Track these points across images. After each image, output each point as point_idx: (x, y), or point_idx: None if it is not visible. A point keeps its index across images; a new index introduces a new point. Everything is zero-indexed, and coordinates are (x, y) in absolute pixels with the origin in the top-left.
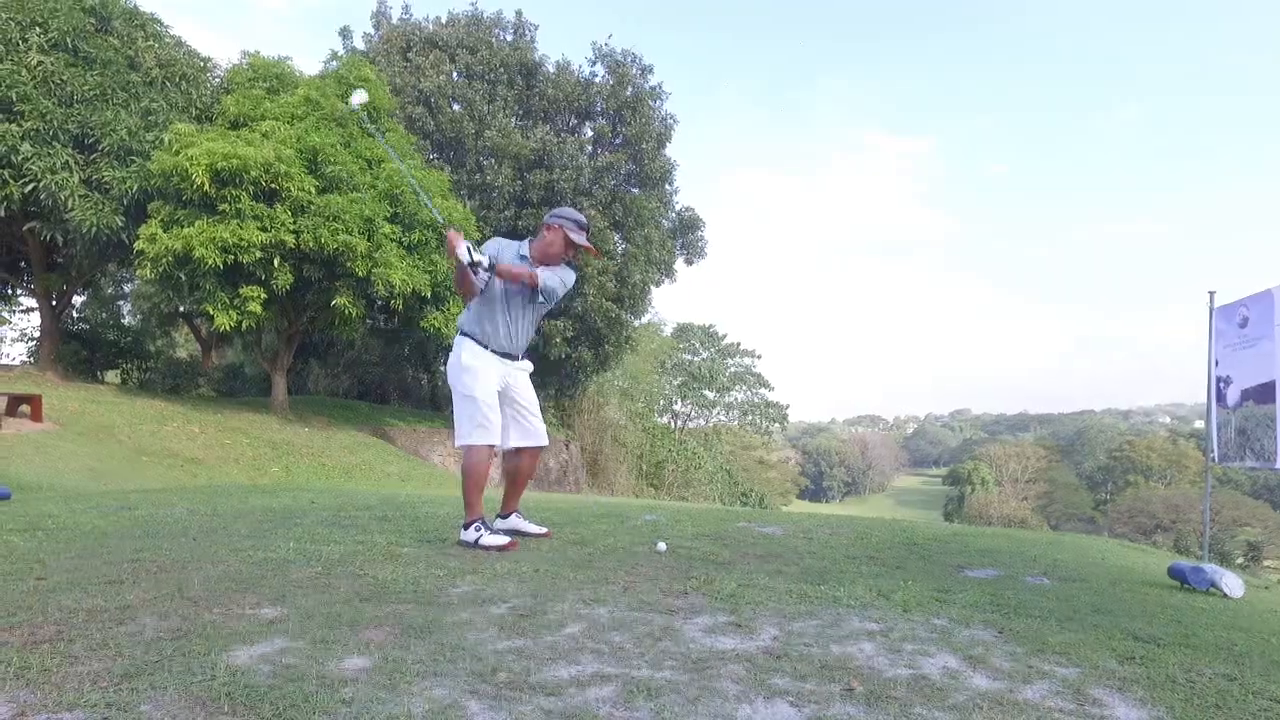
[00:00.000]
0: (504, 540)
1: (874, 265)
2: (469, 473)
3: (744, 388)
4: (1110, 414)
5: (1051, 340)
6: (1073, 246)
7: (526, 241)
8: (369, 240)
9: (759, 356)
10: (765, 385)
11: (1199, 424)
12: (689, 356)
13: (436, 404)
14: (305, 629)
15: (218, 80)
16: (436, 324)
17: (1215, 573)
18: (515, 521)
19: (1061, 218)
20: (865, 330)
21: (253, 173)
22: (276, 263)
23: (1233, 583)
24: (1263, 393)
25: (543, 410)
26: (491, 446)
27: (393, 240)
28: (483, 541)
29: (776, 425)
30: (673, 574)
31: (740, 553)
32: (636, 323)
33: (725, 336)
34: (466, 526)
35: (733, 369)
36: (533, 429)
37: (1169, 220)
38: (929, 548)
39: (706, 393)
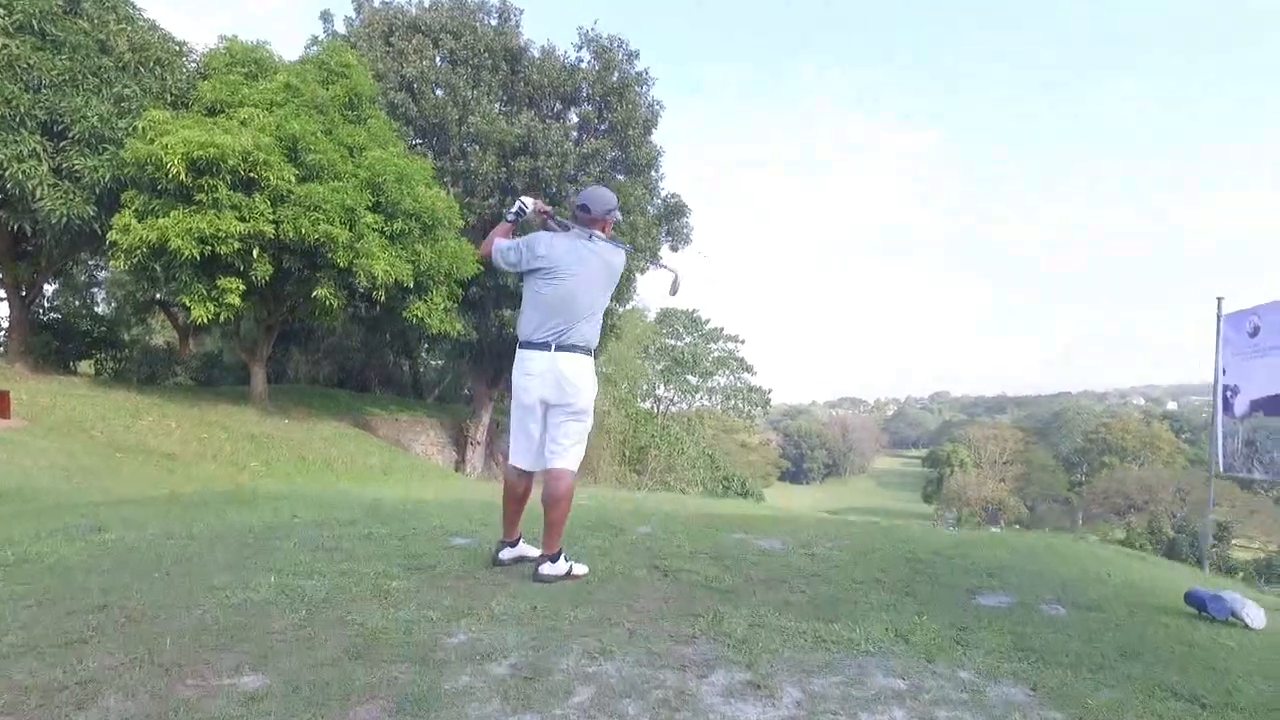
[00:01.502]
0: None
1: (859, 250)
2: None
3: (727, 372)
4: (1087, 396)
5: (1032, 323)
6: (1052, 232)
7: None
8: (350, 230)
9: (742, 341)
10: (748, 370)
11: (1172, 405)
12: (672, 341)
13: (419, 391)
14: (290, 708)
15: (194, 65)
16: (419, 314)
17: (1235, 601)
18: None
19: (1042, 204)
20: (847, 312)
21: (230, 161)
22: (255, 254)
23: (1255, 614)
24: (1273, 404)
25: None
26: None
27: (375, 230)
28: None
29: (759, 410)
30: (677, 608)
31: (743, 576)
32: (621, 310)
33: (709, 321)
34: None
35: (716, 354)
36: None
37: (1149, 210)
38: (933, 565)
39: (690, 378)
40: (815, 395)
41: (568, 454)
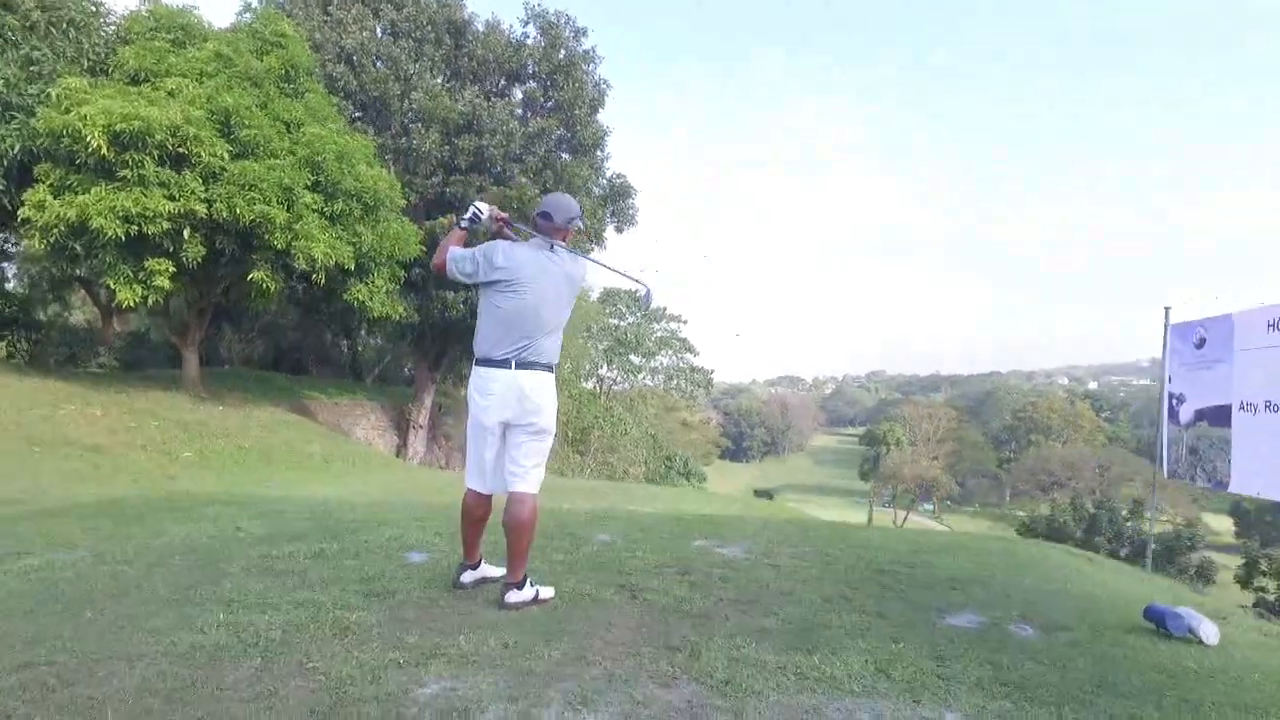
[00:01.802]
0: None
1: (796, 228)
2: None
3: (670, 352)
4: (1015, 375)
5: (965, 304)
6: (988, 216)
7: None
8: (288, 211)
9: (685, 322)
10: (691, 350)
11: (1093, 385)
12: (615, 321)
13: (357, 371)
14: None
15: (113, 29)
16: (360, 297)
17: (1191, 618)
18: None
19: (978, 190)
20: (787, 290)
21: (157, 136)
22: (186, 234)
23: (1209, 630)
24: (1218, 415)
25: (468, 379)
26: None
27: (314, 210)
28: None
29: (701, 390)
30: (652, 638)
31: (713, 596)
32: None
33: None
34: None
35: (659, 334)
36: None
37: (1078, 199)
38: (897, 577)
39: (633, 358)
40: (753, 373)
41: (529, 476)
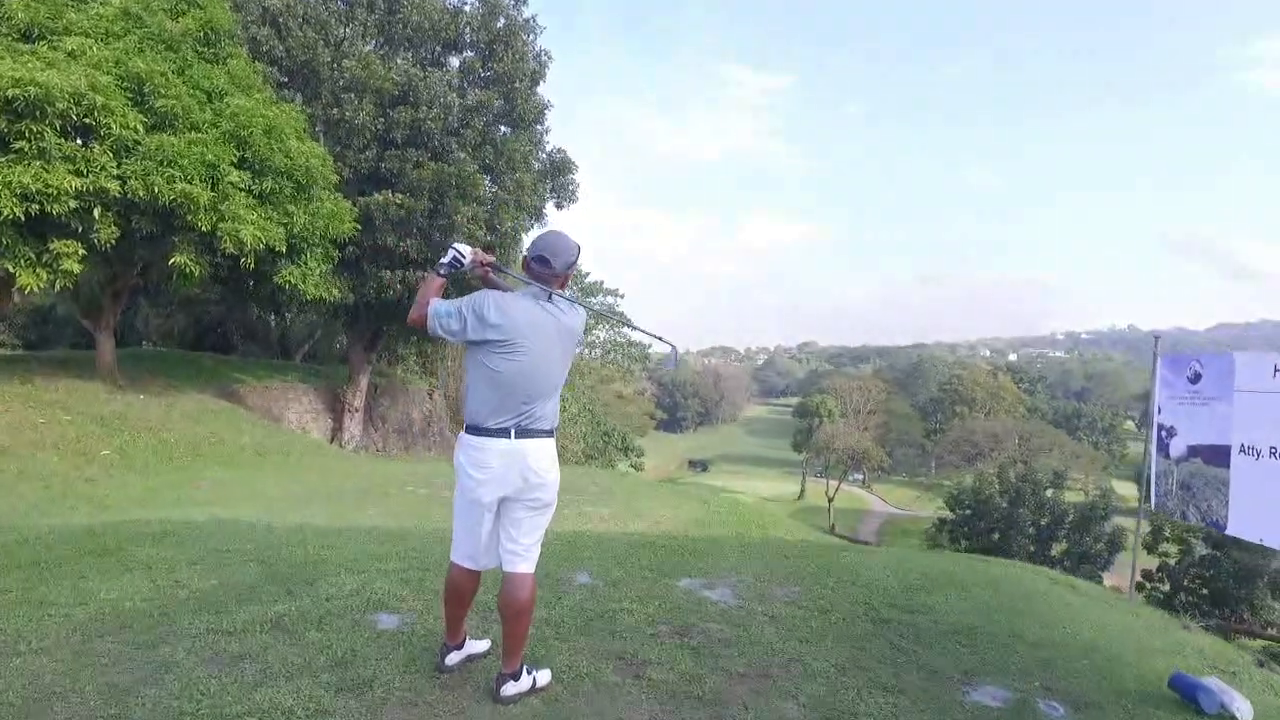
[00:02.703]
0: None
1: (727, 197)
2: None
3: (607, 327)
4: (940, 347)
5: (893, 276)
6: (917, 188)
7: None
8: (213, 190)
9: (622, 296)
10: (628, 324)
11: (1012, 357)
12: None
13: (286, 349)
14: None
15: None
16: (292, 279)
17: (1223, 694)
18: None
19: (909, 160)
20: (720, 260)
21: (59, 104)
22: (97, 214)
23: (1243, 707)
24: (1214, 454)
25: (404, 359)
26: None
27: (241, 190)
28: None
29: (638, 365)
30: None
31: (720, 669)
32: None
33: (588, 275)
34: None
35: (595, 307)
36: None
37: (998, 169)
38: (901, 631)
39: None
40: (686, 343)
41: (530, 554)
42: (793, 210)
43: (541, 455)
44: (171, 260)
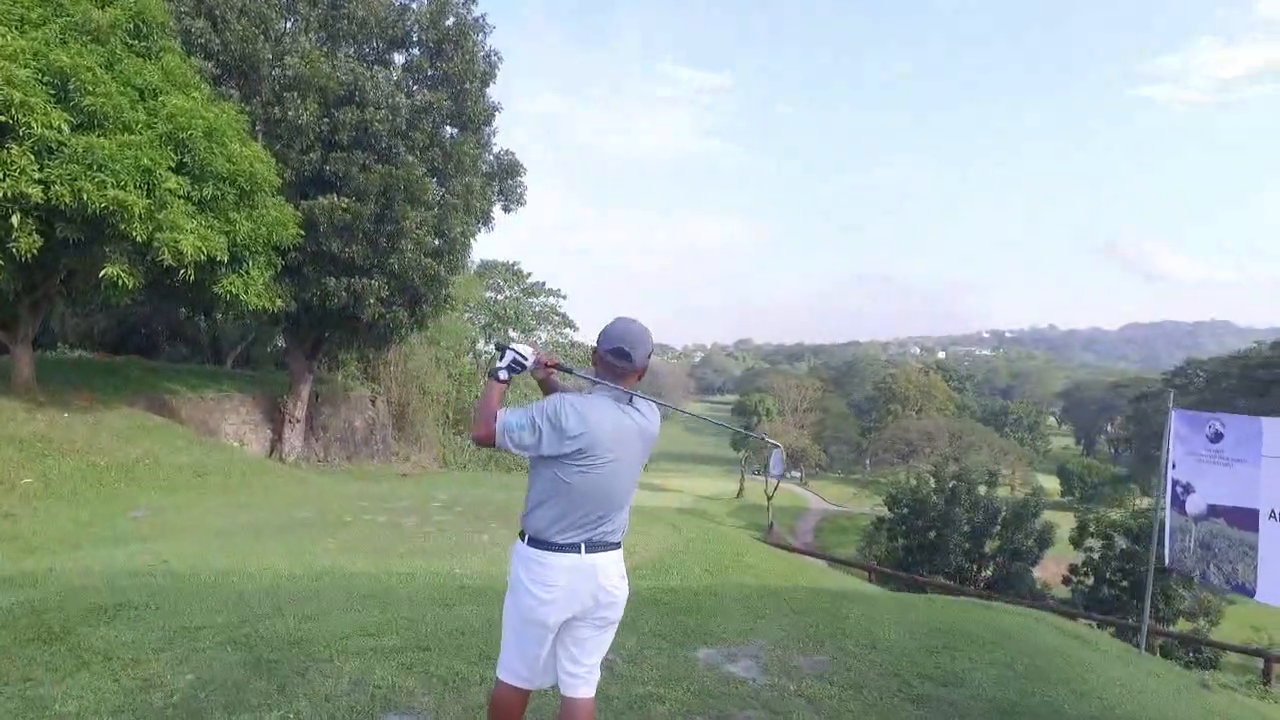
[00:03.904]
0: None
1: (663, 194)
2: None
3: (549, 328)
4: (873, 345)
5: (828, 274)
6: (850, 187)
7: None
8: (149, 196)
9: (564, 296)
10: (571, 326)
11: (942, 354)
12: (493, 294)
13: (218, 353)
14: None
15: None
16: (234, 289)
17: None
18: None
19: (841, 158)
20: (656, 257)
21: None
22: (16, 221)
23: None
24: (1239, 516)
25: (345, 364)
26: None
27: (180, 196)
28: None
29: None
30: None
31: None
32: (457, 279)
33: (530, 275)
34: None
35: (538, 308)
36: None
37: (929, 168)
38: (940, 709)
39: (511, 333)
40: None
41: (594, 675)
42: (728, 208)
43: (613, 570)
44: (103, 272)
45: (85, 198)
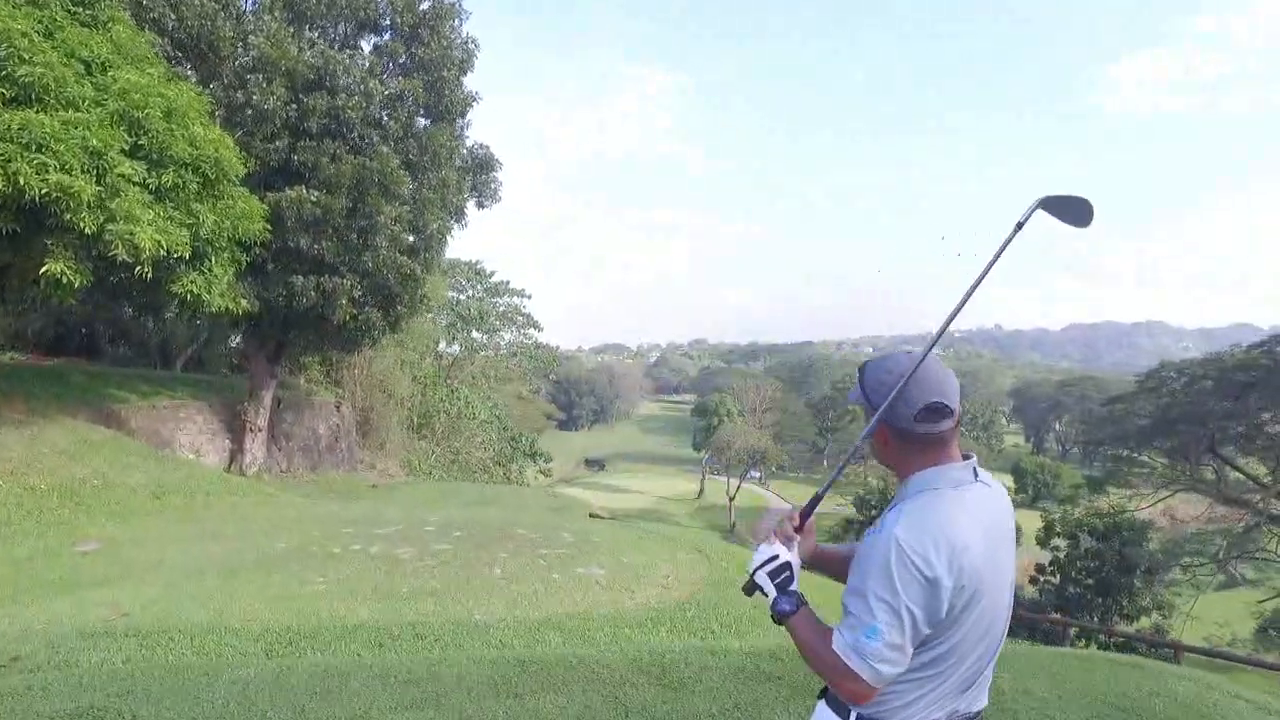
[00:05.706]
0: None
1: (620, 192)
2: None
3: (513, 329)
4: (826, 345)
5: (782, 274)
6: (810, 189)
7: None
8: (99, 183)
9: (529, 296)
10: (535, 326)
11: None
12: (455, 294)
13: (166, 355)
14: None
15: None
16: (194, 288)
17: None
18: None
19: (800, 161)
20: (611, 257)
21: None
22: None
23: None
24: None
25: (307, 368)
26: None
27: (135, 184)
28: None
29: (546, 368)
30: None
31: None
32: (431, 278)
33: (494, 274)
34: None
35: (501, 308)
36: None
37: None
38: None
39: (475, 334)
40: (579, 340)
41: None
42: (684, 209)
43: None
44: (43, 269)
45: (22, 182)
